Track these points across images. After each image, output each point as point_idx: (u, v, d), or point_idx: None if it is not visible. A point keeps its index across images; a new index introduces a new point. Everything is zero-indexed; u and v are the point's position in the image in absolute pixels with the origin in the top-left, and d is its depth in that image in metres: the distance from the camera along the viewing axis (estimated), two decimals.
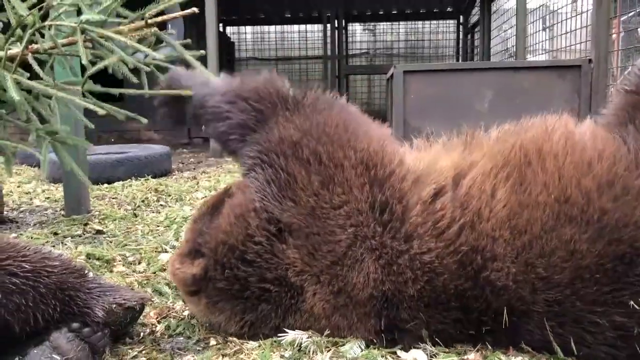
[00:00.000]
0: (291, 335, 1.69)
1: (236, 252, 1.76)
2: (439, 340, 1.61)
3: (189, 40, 2.42)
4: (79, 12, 2.49)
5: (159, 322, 1.97)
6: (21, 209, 4.54)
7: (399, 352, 1.60)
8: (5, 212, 4.12)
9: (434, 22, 15.91)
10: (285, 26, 16.24)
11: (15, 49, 2.43)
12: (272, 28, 16.32)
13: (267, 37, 16.39)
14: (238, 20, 15.72)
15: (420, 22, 16.01)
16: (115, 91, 2.47)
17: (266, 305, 1.75)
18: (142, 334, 1.87)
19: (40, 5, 2.40)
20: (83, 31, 2.26)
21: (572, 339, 1.51)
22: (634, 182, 1.52)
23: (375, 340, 1.66)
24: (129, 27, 2.19)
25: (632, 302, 1.45)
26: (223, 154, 2.04)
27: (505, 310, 1.54)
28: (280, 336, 1.71)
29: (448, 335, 1.62)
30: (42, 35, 2.49)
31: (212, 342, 1.83)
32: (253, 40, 16.38)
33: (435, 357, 1.58)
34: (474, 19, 14.19)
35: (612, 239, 1.48)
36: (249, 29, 16.47)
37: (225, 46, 14.27)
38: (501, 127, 1.82)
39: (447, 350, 1.59)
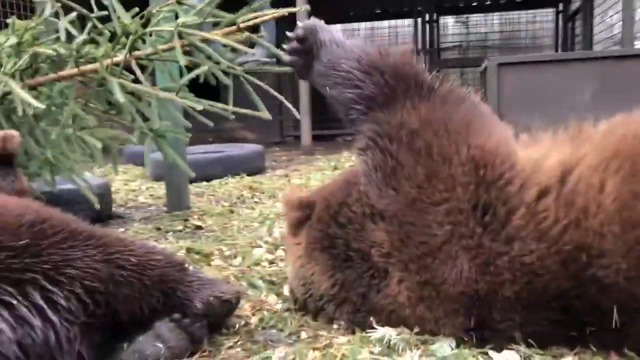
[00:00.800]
0: (380, 331, 1.70)
1: (331, 210, 1.92)
2: (533, 342, 1.55)
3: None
4: (177, 18, 2.63)
5: (253, 315, 2.04)
6: (127, 205, 4.84)
7: (491, 353, 1.55)
8: (113, 209, 4.41)
9: (531, 11, 15.22)
10: (375, 22, 16.18)
11: (120, 56, 2.60)
12: (362, 24, 16.31)
13: (357, 34, 16.40)
14: (329, 19, 15.78)
15: (515, 12, 15.38)
16: (206, 103, 2.58)
17: (351, 272, 1.83)
18: (237, 325, 1.94)
19: (142, 14, 2.55)
20: (180, 35, 2.38)
21: None
22: None
23: (464, 338, 1.62)
24: (222, 31, 2.27)
25: None
26: (340, 116, 1.95)
27: (614, 310, 1.43)
28: (369, 332, 1.72)
29: (545, 336, 1.54)
30: (144, 42, 2.64)
31: (303, 335, 1.87)
32: None
33: (529, 359, 1.52)
34: (574, 6, 13.46)
35: None
36: (339, 26, 16.58)
37: None
38: (609, 119, 1.69)
39: (541, 352, 1.53)
